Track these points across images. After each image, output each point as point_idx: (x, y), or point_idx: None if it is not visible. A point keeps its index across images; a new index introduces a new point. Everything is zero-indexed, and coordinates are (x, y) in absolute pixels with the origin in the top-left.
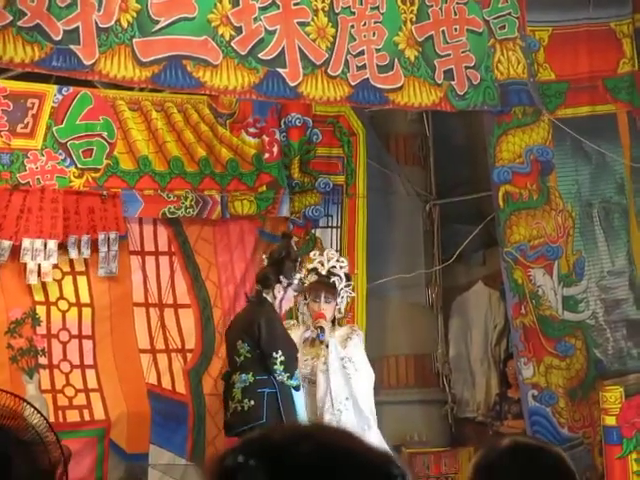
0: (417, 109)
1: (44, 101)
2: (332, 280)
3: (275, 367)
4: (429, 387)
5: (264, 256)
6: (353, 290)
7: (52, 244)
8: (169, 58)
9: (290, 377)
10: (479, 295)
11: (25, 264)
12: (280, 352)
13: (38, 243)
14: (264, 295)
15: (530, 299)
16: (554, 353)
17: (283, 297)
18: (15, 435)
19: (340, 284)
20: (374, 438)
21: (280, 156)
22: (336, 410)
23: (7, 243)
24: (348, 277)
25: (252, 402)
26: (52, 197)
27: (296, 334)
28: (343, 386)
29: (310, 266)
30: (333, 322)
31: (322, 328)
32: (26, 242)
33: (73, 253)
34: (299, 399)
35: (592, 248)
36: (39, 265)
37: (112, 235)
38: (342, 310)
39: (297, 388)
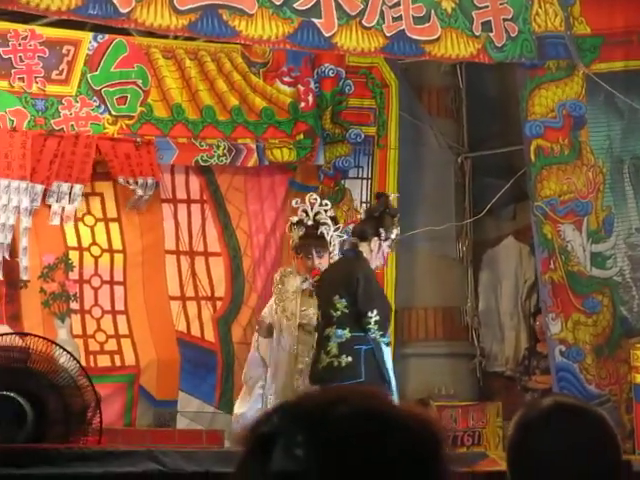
0: (454, 61)
1: (79, 48)
2: (320, 231)
3: (369, 326)
4: (458, 340)
5: (361, 212)
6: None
7: (77, 189)
8: (205, 7)
9: (383, 335)
10: (509, 249)
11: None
12: (376, 311)
13: (65, 187)
14: (360, 249)
15: (559, 254)
16: (581, 309)
17: (378, 251)
18: (48, 379)
19: (329, 232)
20: None
21: (315, 105)
22: None
23: (39, 187)
24: (336, 220)
25: (349, 359)
26: (86, 142)
27: (294, 283)
28: None
29: (295, 219)
30: None
31: None
32: (54, 185)
33: (131, 186)
34: (388, 355)
35: (621, 205)
36: (63, 208)
37: (150, 180)
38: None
39: (388, 344)
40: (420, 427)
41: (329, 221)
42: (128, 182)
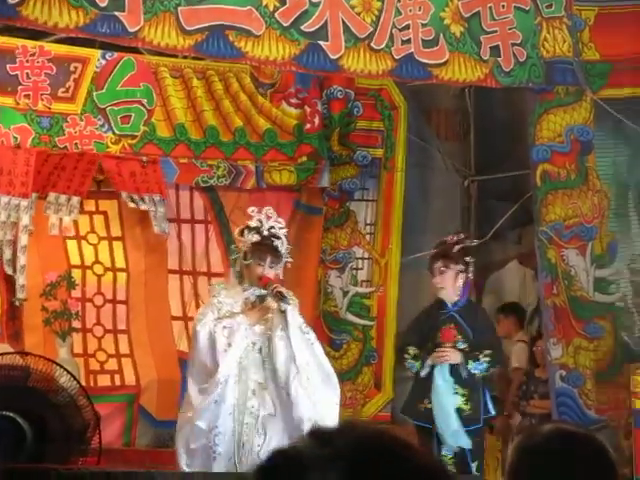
0: (461, 85)
1: (87, 66)
2: (275, 244)
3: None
4: None
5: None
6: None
7: (75, 201)
8: (212, 27)
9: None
10: (513, 273)
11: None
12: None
13: (62, 198)
14: None
15: (562, 279)
16: (583, 334)
17: (465, 281)
18: (48, 398)
19: (282, 248)
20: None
21: (321, 127)
22: (304, 379)
23: (34, 195)
24: (288, 241)
25: None
26: (89, 159)
27: (237, 295)
28: (304, 352)
29: (252, 224)
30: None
31: (281, 293)
32: (51, 196)
33: (132, 204)
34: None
35: (625, 230)
36: (61, 220)
37: (156, 197)
38: (280, 276)
39: (419, 372)
40: (431, 467)
41: (284, 238)
42: (132, 199)
